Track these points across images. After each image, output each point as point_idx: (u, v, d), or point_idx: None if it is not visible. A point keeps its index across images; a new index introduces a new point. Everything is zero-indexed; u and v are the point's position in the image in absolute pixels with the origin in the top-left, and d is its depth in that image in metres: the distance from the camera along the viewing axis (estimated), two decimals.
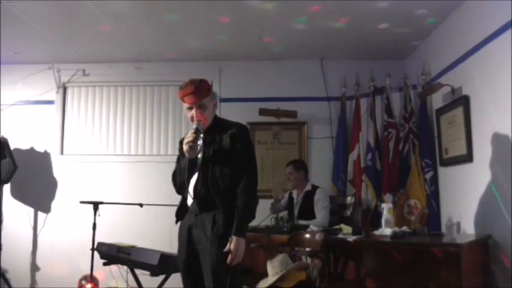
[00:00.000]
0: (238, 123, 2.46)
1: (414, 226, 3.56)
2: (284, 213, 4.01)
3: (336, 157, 4.72)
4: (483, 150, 3.21)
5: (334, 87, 4.90)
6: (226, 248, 2.19)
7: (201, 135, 2.35)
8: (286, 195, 4.23)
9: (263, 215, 3.52)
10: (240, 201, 2.27)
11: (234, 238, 2.20)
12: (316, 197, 3.99)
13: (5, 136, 4.64)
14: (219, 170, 2.31)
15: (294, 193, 4.20)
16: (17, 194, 4.86)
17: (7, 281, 4.48)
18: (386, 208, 3.35)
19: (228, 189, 2.29)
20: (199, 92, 2.33)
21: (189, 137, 2.29)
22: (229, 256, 2.18)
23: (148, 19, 3.92)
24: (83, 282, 4.41)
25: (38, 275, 4.80)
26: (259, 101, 4.82)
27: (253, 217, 2.32)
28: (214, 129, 2.40)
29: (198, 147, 2.35)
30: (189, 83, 2.36)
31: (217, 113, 5.30)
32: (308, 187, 4.11)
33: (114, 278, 4.14)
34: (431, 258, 2.75)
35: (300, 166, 4.17)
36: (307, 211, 3.98)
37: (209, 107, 2.38)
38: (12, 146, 4.62)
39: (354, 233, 3.30)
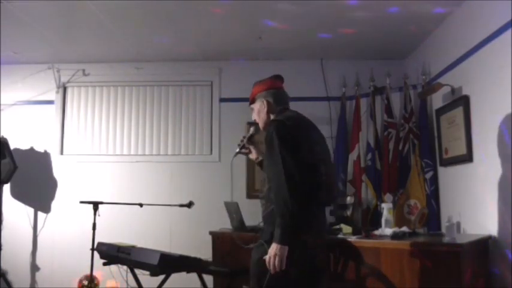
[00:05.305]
0: (273, 119, 2.35)
1: (414, 226, 3.56)
2: None
3: (336, 157, 4.72)
4: (483, 150, 3.21)
5: (334, 87, 4.90)
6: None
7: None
8: None
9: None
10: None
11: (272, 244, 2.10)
12: None
13: (5, 136, 4.63)
14: (263, 175, 2.34)
15: None
16: (17, 194, 4.86)
17: (7, 281, 4.48)
18: (386, 208, 3.35)
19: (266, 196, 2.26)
20: (250, 97, 2.50)
21: None
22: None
23: (148, 19, 3.92)
24: (83, 282, 4.42)
25: (38, 275, 4.79)
26: None
27: (291, 224, 2.07)
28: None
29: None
30: None
31: (218, 113, 5.34)
32: None
33: (114, 278, 4.14)
34: (431, 258, 2.75)
35: None
36: None
37: (255, 109, 2.47)
38: (12, 146, 4.62)
39: (354, 233, 3.29)
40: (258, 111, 2.45)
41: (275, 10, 3.72)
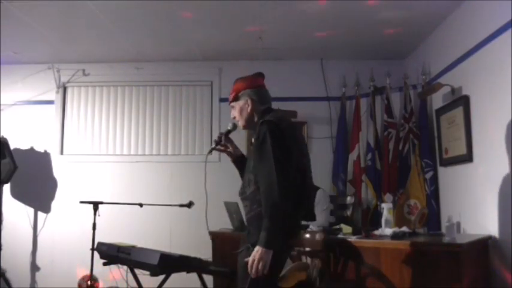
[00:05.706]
0: (264, 119, 2.18)
1: (414, 226, 3.55)
2: None
3: (335, 157, 4.72)
4: (483, 150, 3.21)
5: (334, 87, 4.90)
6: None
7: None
8: None
9: None
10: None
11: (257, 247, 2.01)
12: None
13: (5, 136, 4.63)
14: (247, 176, 2.23)
15: None
16: (17, 194, 4.86)
17: (7, 281, 4.48)
18: (386, 208, 3.35)
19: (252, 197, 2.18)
20: (232, 93, 2.37)
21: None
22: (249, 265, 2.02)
23: (149, 19, 3.92)
24: (82, 282, 4.42)
25: (38, 275, 4.80)
26: None
27: (281, 227, 2.00)
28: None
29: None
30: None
31: (218, 113, 5.32)
32: None
33: (114, 278, 4.14)
34: (431, 258, 2.75)
35: None
36: None
37: (236, 107, 2.34)
38: (12, 146, 4.62)
39: (354, 233, 3.29)
40: (241, 109, 2.32)
41: (274, 10, 3.72)
